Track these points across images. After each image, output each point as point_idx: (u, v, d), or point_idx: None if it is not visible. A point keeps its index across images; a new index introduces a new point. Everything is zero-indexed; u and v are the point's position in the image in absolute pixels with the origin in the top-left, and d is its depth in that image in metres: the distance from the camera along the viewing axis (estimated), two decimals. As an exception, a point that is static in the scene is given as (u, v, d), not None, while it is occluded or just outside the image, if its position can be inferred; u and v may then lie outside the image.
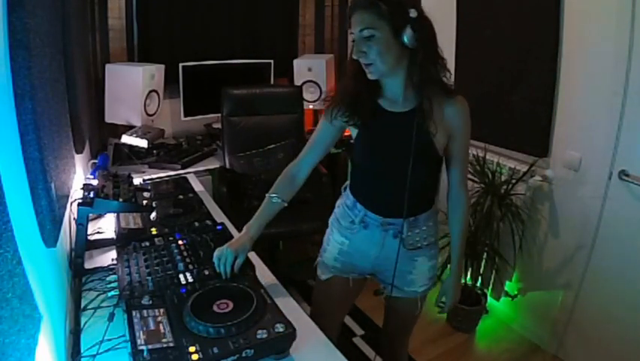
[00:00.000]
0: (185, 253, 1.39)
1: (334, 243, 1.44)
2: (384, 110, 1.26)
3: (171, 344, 1.00)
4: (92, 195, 1.39)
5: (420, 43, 1.12)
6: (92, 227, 1.63)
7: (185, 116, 2.88)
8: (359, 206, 1.36)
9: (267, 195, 1.38)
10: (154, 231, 1.56)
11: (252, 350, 0.99)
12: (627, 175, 1.85)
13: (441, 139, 1.26)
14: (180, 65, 2.76)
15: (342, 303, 1.56)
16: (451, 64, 2.56)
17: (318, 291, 1.54)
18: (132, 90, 2.46)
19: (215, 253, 1.29)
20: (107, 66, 2.49)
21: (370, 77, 1.18)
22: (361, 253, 1.40)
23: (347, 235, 1.40)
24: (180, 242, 1.46)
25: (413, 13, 1.09)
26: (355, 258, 1.42)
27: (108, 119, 2.53)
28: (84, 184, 1.50)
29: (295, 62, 3.06)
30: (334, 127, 1.33)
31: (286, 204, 1.38)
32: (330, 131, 1.35)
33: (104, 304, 1.22)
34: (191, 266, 1.32)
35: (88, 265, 1.40)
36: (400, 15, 1.09)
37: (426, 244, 1.38)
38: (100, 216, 1.74)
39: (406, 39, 1.11)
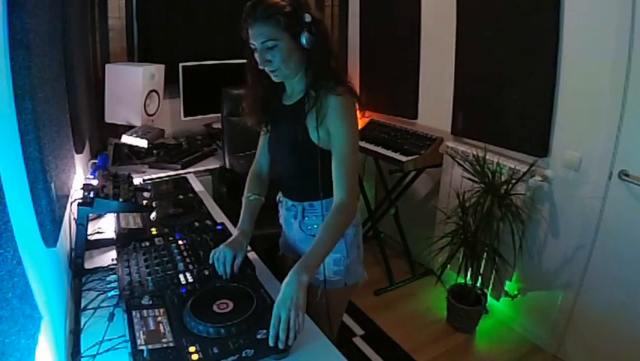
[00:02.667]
0: (185, 253, 1.39)
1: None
2: (281, 104, 1.38)
3: (171, 344, 1.00)
4: (92, 195, 1.39)
5: (317, 43, 1.20)
6: (92, 227, 1.63)
7: (185, 116, 2.88)
8: (279, 186, 1.51)
9: (243, 198, 1.47)
10: (154, 231, 1.56)
11: (252, 350, 0.99)
12: (627, 175, 1.85)
13: (321, 131, 1.26)
14: (180, 65, 2.76)
15: None
16: (451, 64, 2.60)
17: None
18: (132, 90, 2.45)
19: (213, 255, 1.29)
20: (107, 66, 2.49)
21: (275, 80, 1.28)
22: (284, 232, 1.53)
23: (280, 213, 1.54)
24: (180, 242, 1.46)
25: (308, 18, 1.18)
26: (285, 236, 1.54)
27: (108, 119, 2.53)
28: (84, 184, 1.50)
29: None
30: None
31: (263, 199, 1.49)
32: (267, 136, 1.49)
33: (104, 304, 1.21)
34: (191, 266, 1.32)
35: (88, 265, 1.40)
36: (296, 22, 1.18)
37: None
38: (100, 216, 1.74)
39: (304, 42, 1.19)
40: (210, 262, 1.29)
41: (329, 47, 1.26)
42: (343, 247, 1.36)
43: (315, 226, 1.39)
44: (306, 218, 1.41)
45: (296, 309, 1.04)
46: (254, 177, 1.52)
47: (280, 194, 1.50)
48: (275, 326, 1.03)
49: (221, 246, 1.30)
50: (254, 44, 1.21)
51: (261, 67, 1.24)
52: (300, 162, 1.33)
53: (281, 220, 1.54)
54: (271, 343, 1.01)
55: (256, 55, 1.23)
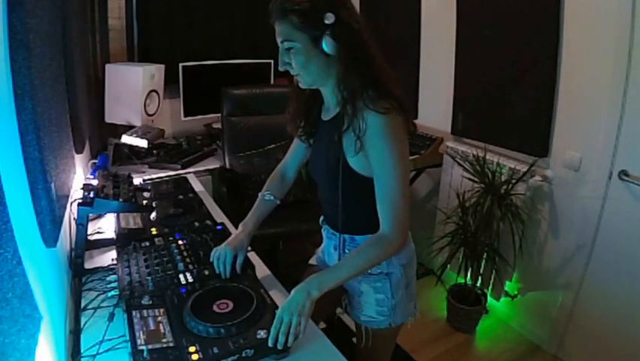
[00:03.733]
0: (185, 253, 1.39)
1: None
2: (320, 119, 1.24)
3: (171, 344, 1.00)
4: (92, 195, 1.39)
5: (342, 49, 1.04)
6: (92, 227, 1.63)
7: (185, 116, 2.88)
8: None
9: (260, 193, 1.40)
10: (154, 231, 1.56)
11: (252, 350, 0.99)
12: (627, 175, 1.85)
13: (361, 156, 1.09)
14: (180, 65, 2.76)
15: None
16: (451, 64, 2.60)
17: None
18: (132, 90, 2.45)
19: (214, 253, 1.28)
20: (107, 66, 2.49)
21: (300, 86, 1.15)
22: (322, 255, 1.43)
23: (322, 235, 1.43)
24: (180, 242, 1.46)
25: (329, 19, 1.01)
26: (323, 258, 1.44)
27: (108, 119, 2.53)
28: (84, 184, 1.50)
29: (295, 61, 3.06)
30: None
31: (279, 202, 1.41)
32: (301, 144, 1.37)
33: (104, 304, 1.21)
34: (191, 266, 1.32)
35: (88, 265, 1.40)
36: (314, 23, 1.02)
37: (369, 273, 1.22)
38: (100, 216, 1.74)
39: (325, 47, 1.03)
40: (211, 260, 1.28)
41: (362, 53, 1.06)
42: (388, 288, 1.24)
43: None
44: (347, 252, 1.26)
45: (299, 315, 1.04)
46: (277, 176, 1.44)
47: (322, 217, 1.38)
48: (276, 327, 1.03)
49: (223, 245, 1.29)
50: (278, 42, 1.09)
51: (280, 69, 1.11)
52: (337, 188, 1.15)
53: (323, 243, 1.41)
54: (270, 343, 1.01)
55: (279, 56, 1.11)
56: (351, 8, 1.07)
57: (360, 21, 1.08)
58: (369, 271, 1.21)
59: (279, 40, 1.08)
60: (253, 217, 1.37)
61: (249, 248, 1.40)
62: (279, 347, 1.01)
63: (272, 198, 1.40)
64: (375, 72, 1.08)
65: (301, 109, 1.25)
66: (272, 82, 3.08)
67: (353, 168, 1.12)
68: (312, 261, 1.48)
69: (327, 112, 1.21)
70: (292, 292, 1.10)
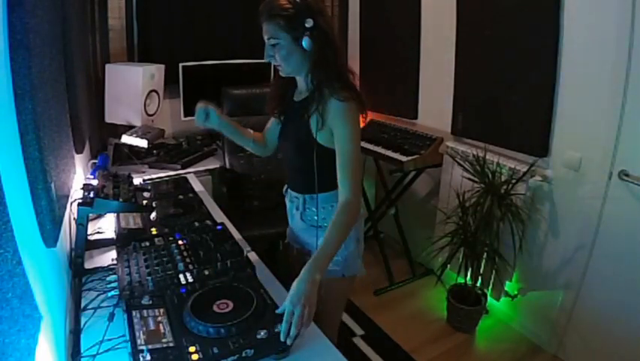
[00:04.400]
0: (185, 253, 1.39)
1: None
2: (293, 101, 1.47)
3: (171, 344, 1.00)
4: (92, 195, 1.39)
5: (317, 47, 1.28)
6: (92, 227, 1.63)
7: (185, 116, 2.88)
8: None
9: (249, 130, 1.63)
10: (154, 231, 1.56)
11: (252, 350, 0.99)
12: (627, 175, 1.85)
13: (324, 132, 1.34)
14: (180, 65, 2.76)
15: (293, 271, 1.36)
16: (451, 64, 2.60)
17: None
18: (132, 90, 2.45)
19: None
20: (107, 66, 2.49)
21: (281, 74, 1.39)
22: (289, 221, 1.61)
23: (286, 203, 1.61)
24: (180, 242, 1.46)
25: (309, 24, 1.25)
26: (289, 226, 1.62)
27: (108, 119, 2.53)
28: (84, 184, 1.50)
29: (295, 61, 3.06)
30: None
31: (250, 139, 1.62)
32: (275, 121, 1.59)
33: (104, 304, 1.22)
34: (191, 266, 1.32)
35: (88, 265, 1.40)
36: (297, 25, 1.26)
37: (326, 225, 1.33)
38: (100, 216, 1.74)
39: (304, 45, 1.27)
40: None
41: (331, 52, 1.31)
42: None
43: (315, 218, 1.46)
44: (307, 210, 1.48)
45: (307, 305, 1.08)
46: (262, 135, 1.65)
47: (286, 185, 1.58)
48: (288, 321, 1.04)
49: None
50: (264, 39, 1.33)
51: (265, 60, 1.36)
52: (303, 157, 1.40)
53: (287, 210, 1.60)
54: (282, 338, 1.02)
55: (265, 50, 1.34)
56: (326, 16, 1.33)
57: (333, 27, 1.36)
58: (325, 225, 1.39)
59: (266, 37, 1.31)
60: (234, 122, 1.58)
61: (249, 248, 1.39)
62: (289, 341, 1.02)
63: (251, 141, 1.61)
64: (340, 68, 1.35)
65: (278, 92, 1.51)
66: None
67: (318, 140, 1.35)
68: (287, 239, 1.66)
69: (298, 95, 1.46)
70: (295, 283, 1.13)
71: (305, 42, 1.27)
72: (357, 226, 1.47)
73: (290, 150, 1.49)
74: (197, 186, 2.11)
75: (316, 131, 1.33)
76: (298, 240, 1.57)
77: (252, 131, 1.63)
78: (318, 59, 1.31)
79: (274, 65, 1.39)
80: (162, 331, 1.04)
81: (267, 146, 1.66)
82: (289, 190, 1.56)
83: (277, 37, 1.29)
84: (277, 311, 1.10)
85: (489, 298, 2.45)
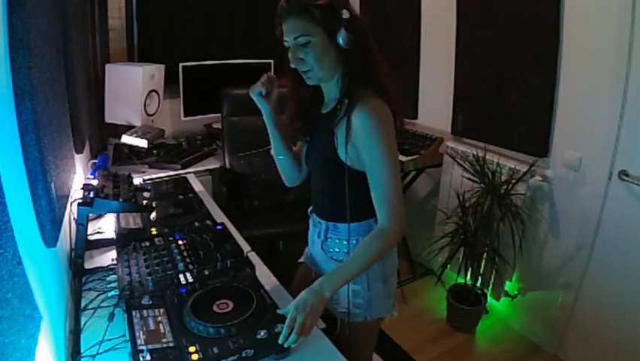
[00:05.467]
0: (185, 253, 1.39)
1: None
2: (320, 113, 1.27)
3: (171, 344, 1.00)
4: (92, 195, 1.39)
5: (355, 43, 1.10)
6: (92, 227, 1.63)
7: (185, 116, 2.88)
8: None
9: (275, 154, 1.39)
10: (154, 231, 1.56)
11: (252, 350, 0.99)
12: (627, 175, 1.85)
13: (350, 149, 1.13)
14: (180, 65, 2.76)
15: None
16: (451, 64, 2.60)
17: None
18: (132, 90, 2.45)
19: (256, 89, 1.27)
20: (107, 66, 2.49)
21: (308, 82, 1.17)
22: (309, 248, 1.44)
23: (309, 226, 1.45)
24: (180, 242, 1.46)
25: (345, 15, 1.07)
26: (308, 249, 1.45)
27: (108, 119, 2.53)
28: (84, 184, 1.50)
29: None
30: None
31: (289, 157, 1.38)
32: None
33: (104, 304, 1.21)
34: (191, 266, 1.32)
35: (88, 265, 1.40)
36: (332, 18, 1.08)
37: None
38: (100, 216, 1.74)
39: (341, 41, 1.09)
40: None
41: (368, 49, 1.14)
42: (364, 279, 1.25)
43: (337, 250, 1.28)
44: (329, 240, 1.30)
45: (311, 316, 1.05)
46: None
47: (310, 207, 1.41)
48: (289, 326, 1.04)
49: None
50: (287, 41, 1.12)
51: (292, 65, 1.15)
52: (329, 178, 1.24)
53: (309, 233, 1.44)
54: (281, 341, 1.02)
55: (290, 54, 1.13)
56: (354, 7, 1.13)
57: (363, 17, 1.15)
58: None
59: (292, 36, 1.10)
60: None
61: (249, 248, 1.38)
62: (287, 345, 1.02)
63: (289, 152, 1.38)
64: (379, 68, 1.15)
65: (299, 111, 1.29)
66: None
67: (342, 158, 1.16)
68: (302, 259, 1.50)
69: (326, 106, 1.26)
70: (304, 292, 1.10)
71: (342, 37, 1.08)
72: (383, 265, 1.27)
73: (315, 170, 1.31)
74: (197, 186, 2.11)
75: (344, 146, 1.13)
76: (316, 267, 1.39)
77: (294, 146, 1.39)
78: (356, 58, 1.11)
79: (301, 71, 1.15)
80: (162, 331, 1.04)
81: (303, 170, 1.42)
82: (312, 213, 1.39)
83: (309, 34, 1.08)
84: (279, 311, 1.10)
85: (489, 298, 2.45)
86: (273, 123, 1.32)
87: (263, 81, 1.27)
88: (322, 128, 1.21)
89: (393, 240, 1.17)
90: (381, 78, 1.15)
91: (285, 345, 1.02)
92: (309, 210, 1.41)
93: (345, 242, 1.26)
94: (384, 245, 1.15)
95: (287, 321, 1.05)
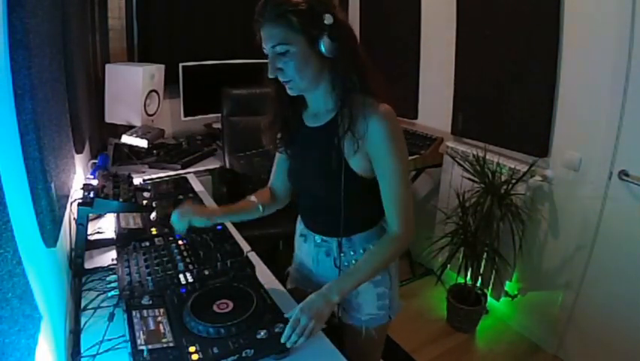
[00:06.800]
0: (185, 253, 1.39)
1: (295, 253, 1.43)
2: (306, 126, 1.19)
3: (171, 344, 1.00)
4: (92, 195, 1.39)
5: (339, 50, 1.01)
6: (92, 227, 1.63)
7: (185, 116, 2.88)
8: (301, 219, 1.35)
9: (251, 197, 1.32)
10: (154, 231, 1.56)
11: (252, 350, 0.99)
12: (627, 175, 1.85)
13: (359, 157, 1.09)
14: (180, 65, 2.76)
15: None
16: (451, 64, 2.60)
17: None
18: (132, 90, 2.45)
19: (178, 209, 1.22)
20: (107, 66, 2.49)
21: (290, 93, 1.10)
22: (306, 267, 1.36)
23: (298, 246, 1.39)
24: (180, 242, 1.46)
25: (328, 20, 0.99)
26: (306, 272, 1.36)
27: (108, 119, 2.53)
28: (84, 184, 1.50)
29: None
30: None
31: (261, 211, 1.32)
32: (284, 157, 1.30)
33: (104, 304, 1.21)
34: (191, 266, 1.32)
35: (88, 265, 1.40)
36: (313, 23, 0.99)
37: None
38: (100, 216, 1.74)
39: (323, 49, 1.00)
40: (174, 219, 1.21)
41: (356, 55, 1.06)
42: (387, 279, 1.25)
43: (354, 262, 1.22)
44: (344, 254, 1.23)
45: (316, 320, 1.05)
46: (267, 191, 1.37)
47: (303, 227, 1.33)
48: (292, 327, 1.03)
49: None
50: (265, 48, 1.05)
51: (270, 76, 1.07)
52: (337, 193, 1.12)
53: (301, 255, 1.37)
54: (283, 340, 1.02)
55: (268, 63, 1.06)
56: (341, 11, 1.06)
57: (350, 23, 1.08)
58: None
59: (269, 45, 1.03)
60: (227, 207, 1.30)
61: (249, 248, 1.38)
62: (288, 345, 1.02)
63: (255, 200, 1.30)
64: (370, 74, 1.09)
65: (279, 119, 1.21)
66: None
67: (353, 168, 1.11)
68: (291, 284, 1.43)
69: (315, 118, 1.17)
70: (312, 295, 1.09)
71: (324, 44, 1.00)
72: (397, 262, 1.30)
73: (315, 187, 1.21)
74: (197, 186, 2.11)
75: (352, 156, 1.08)
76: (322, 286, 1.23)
77: (253, 197, 1.31)
78: (344, 66, 1.04)
79: (282, 81, 1.08)
80: (162, 331, 1.04)
81: (279, 199, 1.37)
82: (311, 233, 1.29)
83: (288, 42, 1.00)
84: (287, 315, 1.09)
85: (489, 298, 2.45)
86: (226, 218, 1.31)
87: (175, 217, 1.21)
88: (317, 142, 1.15)
89: (404, 246, 1.16)
90: (375, 84, 1.09)
91: (288, 345, 1.02)
92: (300, 230, 1.34)
93: (361, 252, 1.22)
94: (396, 251, 1.15)
95: (290, 322, 1.04)
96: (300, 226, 1.36)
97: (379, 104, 1.07)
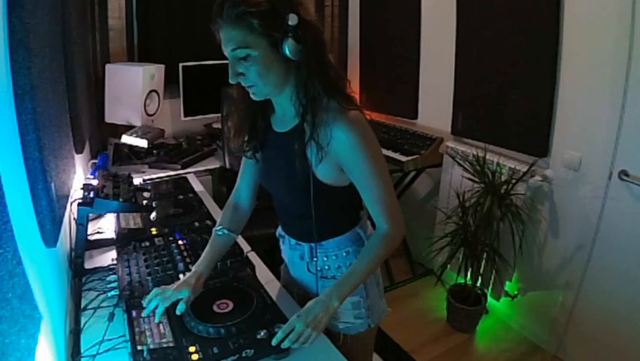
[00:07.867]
0: (185, 253, 1.39)
1: None
2: (272, 130, 1.15)
3: (171, 344, 1.00)
4: (92, 195, 1.39)
5: (305, 53, 0.95)
6: (92, 227, 1.63)
7: (185, 116, 2.88)
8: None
9: (213, 229, 1.28)
10: (154, 231, 1.56)
11: (252, 350, 0.99)
12: (627, 175, 1.85)
13: (326, 166, 1.05)
14: (180, 65, 2.76)
15: None
16: (451, 64, 2.60)
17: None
18: (132, 90, 2.45)
19: (156, 289, 1.12)
20: (107, 66, 2.49)
21: (254, 98, 1.04)
22: (287, 267, 1.34)
23: (280, 246, 1.36)
24: (180, 242, 1.46)
25: (292, 20, 0.92)
26: (289, 271, 1.34)
27: (108, 119, 2.53)
28: (84, 184, 1.50)
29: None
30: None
31: (235, 236, 1.28)
32: (251, 162, 1.25)
33: (104, 304, 1.21)
34: (191, 266, 1.31)
35: (88, 265, 1.40)
36: (276, 25, 0.92)
37: (340, 275, 1.18)
38: (100, 216, 1.74)
39: (287, 52, 0.94)
40: (148, 299, 1.10)
41: (322, 57, 1.00)
42: (362, 288, 1.19)
43: (327, 268, 1.20)
44: (316, 259, 1.20)
45: (313, 328, 1.03)
46: (230, 208, 1.32)
47: (280, 228, 1.31)
48: (285, 331, 1.02)
49: (169, 287, 1.12)
50: (225, 51, 0.98)
51: (231, 81, 1.01)
52: (304, 201, 1.09)
53: (283, 255, 1.35)
54: (274, 342, 1.01)
55: (229, 67, 1.00)
56: (308, 8, 0.99)
57: (319, 21, 1.01)
58: (339, 273, 1.19)
59: (228, 48, 0.96)
60: (205, 258, 1.20)
61: (249, 249, 1.38)
62: (283, 346, 1.01)
63: (226, 232, 1.25)
64: (336, 75, 1.03)
65: (245, 123, 1.15)
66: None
67: (319, 178, 1.07)
68: (281, 283, 1.38)
69: (282, 123, 1.12)
70: (311, 302, 1.07)
71: (288, 47, 0.93)
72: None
73: (284, 194, 1.18)
74: (197, 186, 2.11)
75: (317, 164, 1.04)
76: (304, 289, 1.28)
77: (219, 228, 1.25)
78: (309, 69, 0.97)
79: (245, 86, 1.02)
80: (162, 331, 1.04)
81: (244, 210, 1.34)
82: (287, 236, 1.27)
83: (248, 46, 0.94)
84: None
85: (489, 298, 2.45)
86: (208, 272, 1.19)
87: (152, 301, 1.08)
88: (283, 149, 1.10)
89: (396, 242, 1.13)
90: (341, 86, 1.04)
91: (283, 346, 1.00)
92: (278, 232, 1.32)
93: (334, 257, 1.19)
94: (389, 249, 1.12)
95: (284, 326, 1.03)
96: (279, 227, 1.33)
97: (346, 111, 1.01)
